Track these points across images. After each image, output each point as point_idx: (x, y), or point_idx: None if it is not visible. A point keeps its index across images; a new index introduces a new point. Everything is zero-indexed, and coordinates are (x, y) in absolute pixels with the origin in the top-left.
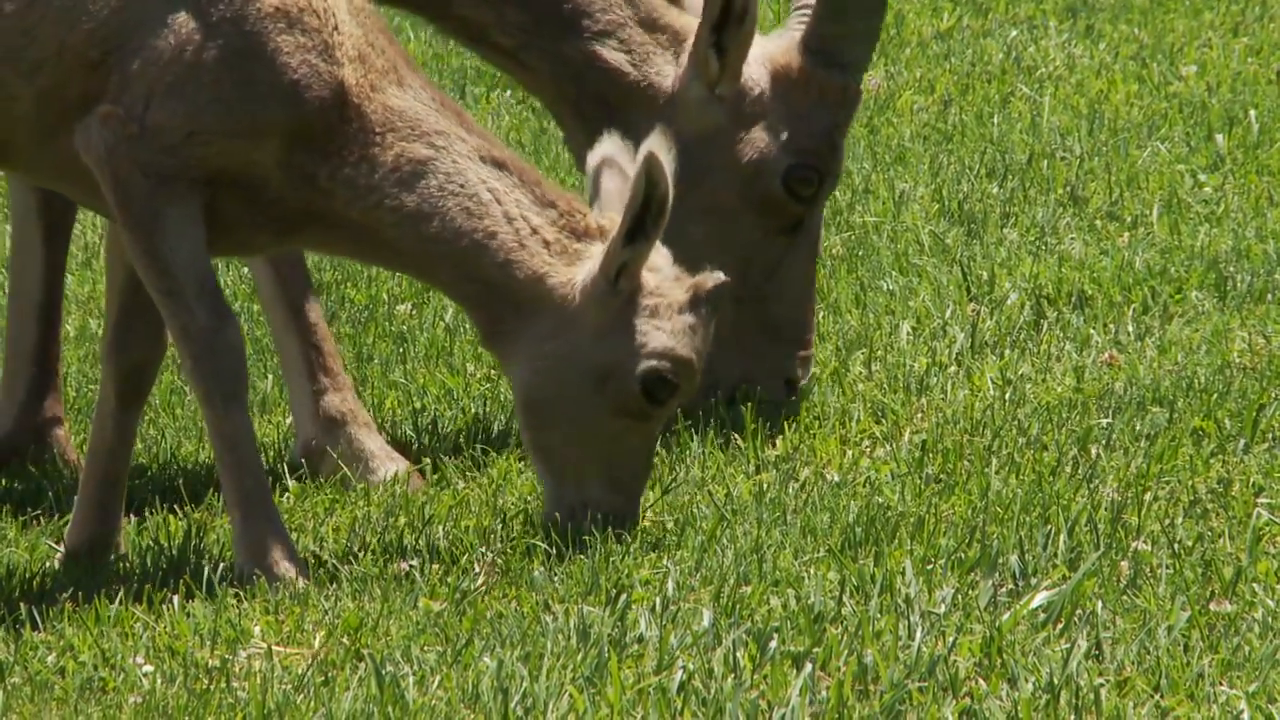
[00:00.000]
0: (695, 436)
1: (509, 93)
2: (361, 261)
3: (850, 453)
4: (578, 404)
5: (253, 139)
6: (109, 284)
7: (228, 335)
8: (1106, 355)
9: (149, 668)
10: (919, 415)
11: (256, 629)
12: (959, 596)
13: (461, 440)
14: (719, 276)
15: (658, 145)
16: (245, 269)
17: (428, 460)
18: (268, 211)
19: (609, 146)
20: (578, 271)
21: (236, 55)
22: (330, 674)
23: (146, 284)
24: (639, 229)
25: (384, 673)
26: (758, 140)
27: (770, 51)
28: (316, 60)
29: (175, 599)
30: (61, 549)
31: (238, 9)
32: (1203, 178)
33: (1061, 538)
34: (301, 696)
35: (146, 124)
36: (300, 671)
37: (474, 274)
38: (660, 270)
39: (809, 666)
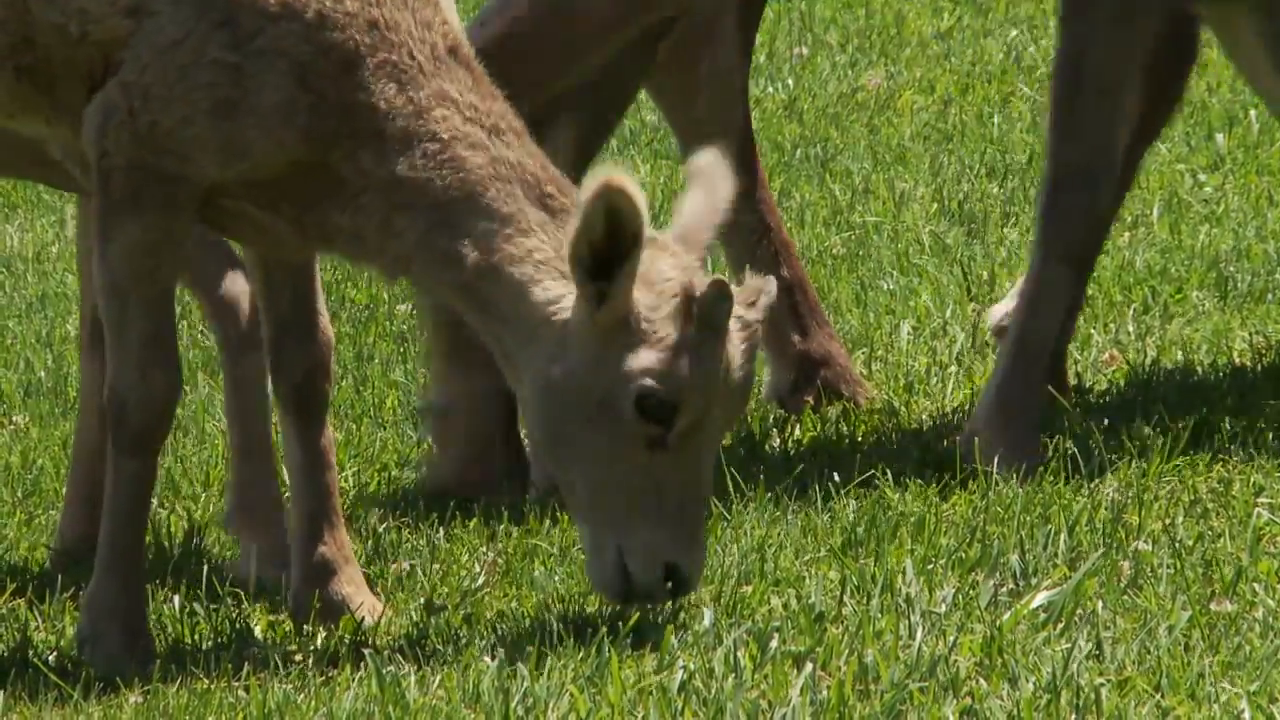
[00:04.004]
0: None
1: None
2: None
3: (852, 453)
4: (584, 440)
5: None
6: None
7: None
8: (1107, 355)
9: (150, 666)
10: (922, 415)
11: (257, 628)
12: (960, 596)
13: None
14: (714, 284)
15: (617, 173)
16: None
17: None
18: None
19: (706, 157)
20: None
21: None
22: (331, 673)
23: None
24: (615, 264)
25: (385, 672)
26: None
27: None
28: None
29: (176, 598)
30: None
31: None
32: (1203, 177)
33: (1062, 537)
34: (302, 696)
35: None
36: (301, 671)
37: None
38: (655, 284)
39: (810, 666)
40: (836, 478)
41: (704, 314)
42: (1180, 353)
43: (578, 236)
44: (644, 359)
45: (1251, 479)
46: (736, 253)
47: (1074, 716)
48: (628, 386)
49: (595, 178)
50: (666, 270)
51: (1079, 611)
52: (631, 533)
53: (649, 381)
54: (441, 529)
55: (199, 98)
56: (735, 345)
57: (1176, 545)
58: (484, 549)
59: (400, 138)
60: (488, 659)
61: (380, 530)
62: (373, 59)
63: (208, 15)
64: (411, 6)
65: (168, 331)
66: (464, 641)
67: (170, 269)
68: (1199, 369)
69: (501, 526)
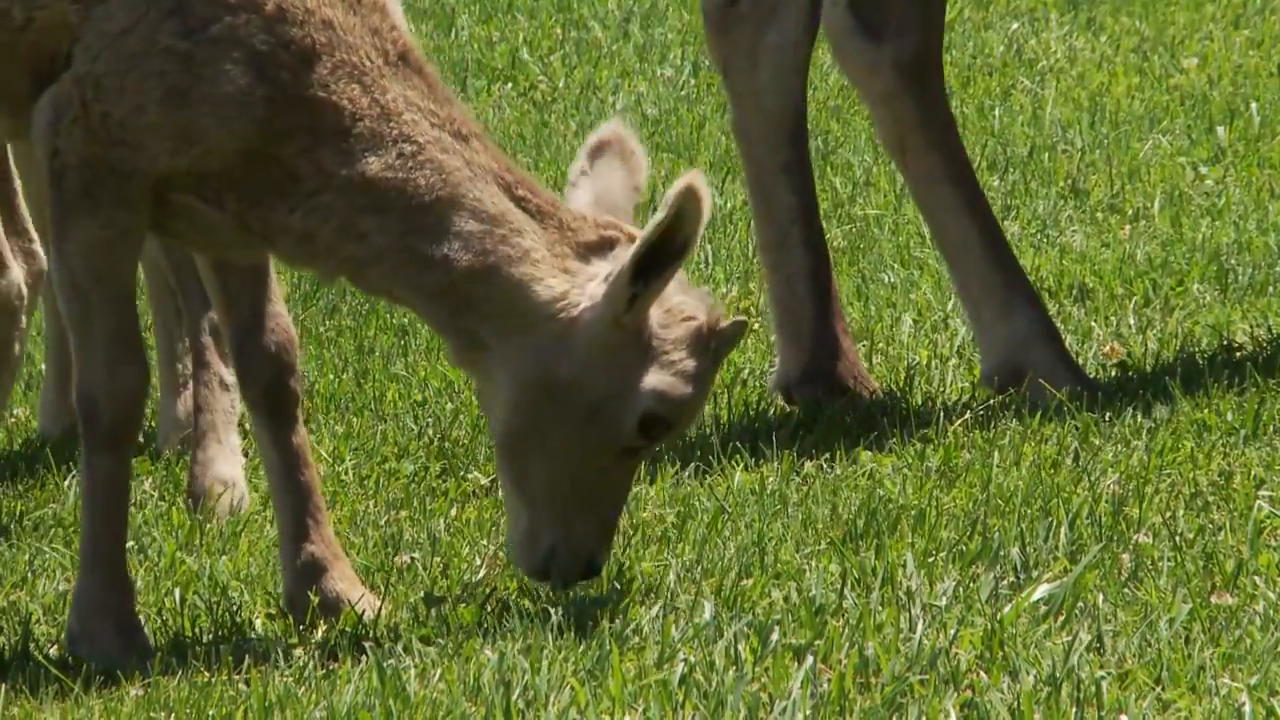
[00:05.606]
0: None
1: (509, 85)
2: None
3: (853, 446)
4: (564, 437)
5: None
6: None
7: None
8: (1108, 348)
9: (149, 660)
10: (923, 408)
11: (258, 622)
12: (960, 589)
13: (462, 433)
14: (736, 324)
15: (699, 179)
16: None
17: (427, 453)
18: None
19: (615, 126)
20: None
21: None
22: (331, 667)
23: None
24: (653, 266)
25: (385, 665)
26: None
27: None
28: None
29: (177, 591)
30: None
31: None
32: (1204, 170)
33: (1063, 530)
34: (303, 689)
35: None
36: (302, 664)
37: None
38: (662, 301)
39: (810, 659)
40: (837, 470)
41: (718, 349)
42: (1181, 346)
43: (656, 231)
44: (661, 380)
45: (1252, 472)
46: (770, 232)
47: (1074, 709)
48: (636, 401)
49: (683, 177)
50: (671, 289)
51: (1079, 604)
52: (570, 527)
53: (661, 403)
54: (442, 521)
55: (151, 86)
56: None
57: (1177, 538)
58: (484, 541)
59: (369, 138)
60: (488, 652)
61: (382, 523)
62: (330, 58)
63: (157, 3)
64: (360, 12)
65: (132, 327)
66: (465, 634)
67: (129, 265)
68: (1200, 362)
69: (502, 519)
